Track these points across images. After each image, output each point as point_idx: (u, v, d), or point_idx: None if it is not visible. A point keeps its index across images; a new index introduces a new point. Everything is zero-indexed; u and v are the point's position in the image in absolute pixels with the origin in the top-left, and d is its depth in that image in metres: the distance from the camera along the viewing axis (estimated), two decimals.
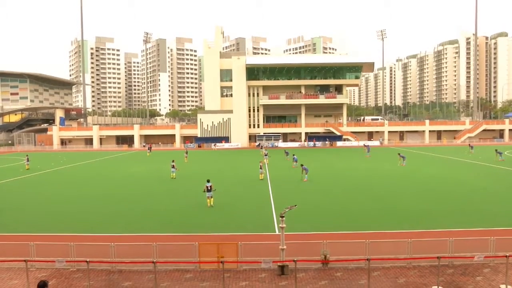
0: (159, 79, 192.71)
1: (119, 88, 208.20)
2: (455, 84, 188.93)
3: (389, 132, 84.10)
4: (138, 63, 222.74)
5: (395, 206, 21.26)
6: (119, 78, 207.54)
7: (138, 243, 14.77)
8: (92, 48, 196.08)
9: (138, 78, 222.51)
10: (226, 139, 78.90)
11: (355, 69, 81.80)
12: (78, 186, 30.18)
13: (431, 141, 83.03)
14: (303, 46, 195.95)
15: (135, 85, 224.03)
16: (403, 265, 12.77)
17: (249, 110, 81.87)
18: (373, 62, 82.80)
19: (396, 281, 11.79)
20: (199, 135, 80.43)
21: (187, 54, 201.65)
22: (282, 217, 12.58)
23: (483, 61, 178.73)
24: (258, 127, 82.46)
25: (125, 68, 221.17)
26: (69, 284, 11.90)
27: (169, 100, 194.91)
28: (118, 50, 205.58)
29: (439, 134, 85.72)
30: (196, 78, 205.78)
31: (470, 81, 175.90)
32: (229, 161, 49.65)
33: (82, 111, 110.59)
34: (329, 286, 11.52)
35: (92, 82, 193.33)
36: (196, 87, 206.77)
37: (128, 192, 27.18)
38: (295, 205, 13.95)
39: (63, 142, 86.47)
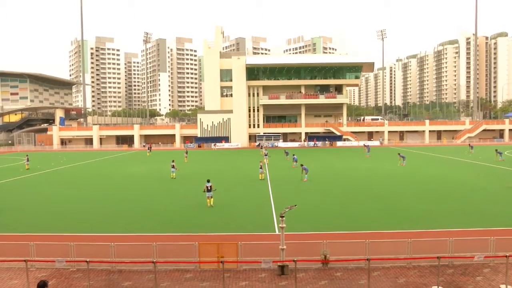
0: (159, 79, 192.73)
1: (119, 88, 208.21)
2: (455, 84, 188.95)
3: (389, 132, 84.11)
4: (138, 63, 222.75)
5: (395, 206, 21.27)
6: (119, 78, 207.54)
7: (138, 243, 14.77)
8: (92, 48, 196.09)
9: (138, 78, 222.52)
10: (226, 139, 78.91)
11: (355, 69, 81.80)
12: (78, 186, 30.19)
13: (431, 141, 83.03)
14: (303, 46, 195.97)
15: (135, 85, 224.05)
16: (403, 265, 12.77)
17: (249, 110, 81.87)
18: (373, 62, 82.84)
19: (396, 281, 11.79)
20: (199, 135, 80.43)
21: (187, 54, 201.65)
22: (282, 217, 12.58)
23: (483, 61, 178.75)
24: (258, 127, 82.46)
25: (125, 68, 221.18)
26: (69, 284, 11.90)
27: (169, 100, 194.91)
28: (118, 50, 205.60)
29: (439, 134, 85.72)
30: (196, 78, 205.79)
31: (470, 81, 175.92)
32: (229, 161, 49.66)
33: (82, 111, 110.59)
34: (329, 286, 11.52)
35: (92, 82, 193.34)
36: (196, 87, 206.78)
37: (128, 192, 27.18)
38: (295, 205, 13.95)
39: (63, 142, 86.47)
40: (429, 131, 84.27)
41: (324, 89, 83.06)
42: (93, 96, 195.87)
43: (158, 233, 16.85)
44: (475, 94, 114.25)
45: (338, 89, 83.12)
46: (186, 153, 52.38)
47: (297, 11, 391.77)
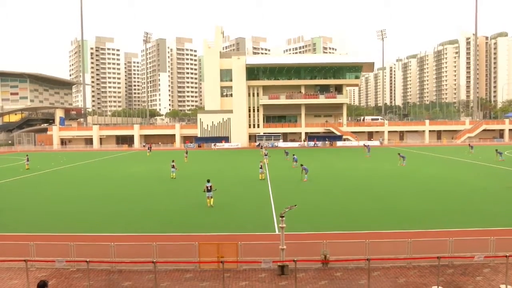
0: (159, 79, 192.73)
1: (119, 88, 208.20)
2: (455, 84, 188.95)
3: (389, 132, 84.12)
4: (138, 63, 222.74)
5: (395, 206, 21.26)
6: (119, 78, 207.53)
7: (138, 243, 14.77)
8: (92, 48, 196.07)
9: (138, 78, 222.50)
10: (226, 139, 78.91)
11: (355, 69, 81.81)
12: (78, 186, 30.19)
13: (431, 141, 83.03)
14: (303, 46, 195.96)
15: (135, 85, 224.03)
16: (403, 265, 12.77)
17: (249, 110, 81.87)
18: (373, 62, 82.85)
19: (396, 281, 11.79)
20: (199, 135, 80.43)
21: (187, 54, 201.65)
22: (282, 217, 12.58)
23: (483, 61, 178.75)
24: (258, 127, 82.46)
25: (125, 68, 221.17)
26: (69, 284, 11.90)
27: (169, 100, 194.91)
28: (118, 50, 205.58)
29: (439, 134, 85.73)
30: (196, 78, 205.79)
31: (470, 81, 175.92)
32: (229, 161, 49.66)
33: (82, 111, 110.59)
34: (329, 286, 11.52)
35: (92, 82, 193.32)
36: (196, 87, 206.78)
37: (128, 192, 27.19)
38: (295, 205, 13.95)
39: (63, 142, 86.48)
40: (429, 131, 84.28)
41: (324, 89, 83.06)
42: (93, 96, 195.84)
43: (158, 233, 16.85)
44: (475, 94, 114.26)
45: (338, 89, 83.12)
46: (186, 153, 52.40)
47: (297, 11, 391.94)
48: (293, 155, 43.04)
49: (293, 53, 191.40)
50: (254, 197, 24.86)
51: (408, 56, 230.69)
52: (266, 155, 47.24)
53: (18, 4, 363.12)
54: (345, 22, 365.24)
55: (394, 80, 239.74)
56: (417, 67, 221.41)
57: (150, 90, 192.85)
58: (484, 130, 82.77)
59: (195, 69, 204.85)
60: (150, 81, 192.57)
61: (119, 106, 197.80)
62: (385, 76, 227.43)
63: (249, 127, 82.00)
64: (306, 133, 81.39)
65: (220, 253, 12.71)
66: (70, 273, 12.67)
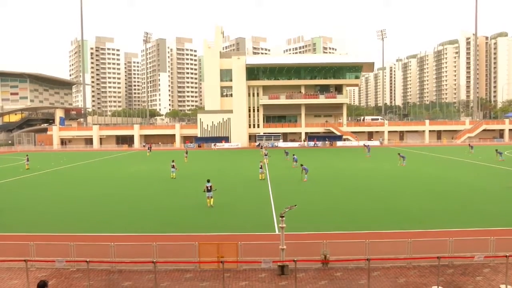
0: (159, 79, 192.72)
1: (119, 88, 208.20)
2: (455, 84, 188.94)
3: (389, 132, 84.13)
4: (138, 63, 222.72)
5: (395, 206, 21.27)
6: (119, 78, 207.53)
7: (138, 243, 14.77)
8: (92, 48, 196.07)
9: (138, 78, 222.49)
10: (226, 139, 78.92)
11: (355, 69, 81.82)
12: (78, 186, 30.19)
13: (431, 141, 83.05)
14: (303, 46, 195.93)
15: (135, 85, 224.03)
16: (403, 265, 12.77)
17: (249, 110, 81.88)
18: (373, 62, 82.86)
19: (396, 281, 11.79)
20: (199, 135, 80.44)
21: (187, 54, 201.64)
22: (282, 217, 12.58)
23: (483, 61, 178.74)
24: (258, 127, 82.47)
25: (125, 68, 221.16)
26: (69, 284, 11.90)
27: (169, 100, 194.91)
28: (118, 50, 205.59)
29: (439, 134, 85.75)
30: (196, 78, 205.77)
31: (470, 81, 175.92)
32: (229, 161, 49.67)
33: (82, 111, 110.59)
34: (329, 286, 11.52)
35: (92, 82, 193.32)
36: (196, 87, 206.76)
37: (128, 192, 27.18)
38: (295, 205, 13.94)
39: (63, 142, 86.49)
40: (429, 131, 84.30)
41: (324, 89, 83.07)
42: (93, 96, 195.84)
43: (158, 233, 16.85)
44: (475, 94, 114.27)
45: (338, 89, 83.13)
46: (186, 153, 52.40)
47: (297, 11, 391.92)
48: (293, 155, 43.04)
49: (293, 53, 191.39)
50: (254, 197, 24.86)
51: (408, 56, 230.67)
52: (266, 155, 47.25)
53: (18, 4, 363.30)
54: (345, 22, 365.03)
55: (394, 80, 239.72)
56: (417, 67, 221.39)
57: (150, 90, 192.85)
58: (484, 130, 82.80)
59: (195, 69, 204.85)
60: (150, 81, 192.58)
61: (119, 106, 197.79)
62: (385, 76, 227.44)
63: (249, 127, 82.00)
64: (306, 133, 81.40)
65: (220, 253, 12.71)
66: (70, 273, 12.67)
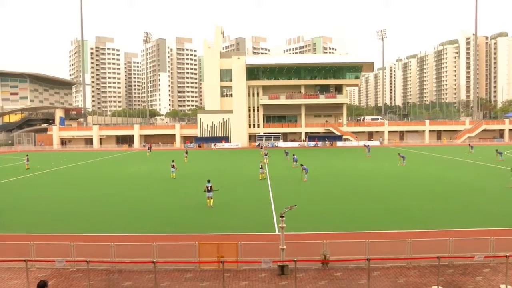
0: (159, 79, 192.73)
1: (119, 88, 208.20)
2: (455, 84, 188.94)
3: (389, 132, 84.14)
4: (138, 63, 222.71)
5: (395, 206, 21.26)
6: (119, 78, 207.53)
7: (138, 243, 14.77)
8: (92, 48, 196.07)
9: (138, 78, 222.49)
10: (226, 139, 78.92)
11: (355, 69, 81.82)
12: (78, 186, 30.18)
13: (431, 141, 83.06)
14: (303, 46, 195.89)
15: (135, 85, 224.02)
16: (403, 265, 12.76)
17: (249, 110, 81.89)
18: (373, 62, 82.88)
19: (396, 281, 11.78)
20: (199, 135, 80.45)
21: (187, 54, 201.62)
22: (282, 217, 12.58)
23: (483, 61, 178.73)
24: (258, 127, 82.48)
25: (125, 68, 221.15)
26: (69, 284, 11.90)
27: (169, 100, 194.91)
28: (118, 50, 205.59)
29: (439, 134, 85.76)
30: (196, 78, 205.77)
31: (470, 81, 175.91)
32: (229, 161, 49.66)
33: (82, 111, 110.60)
34: (329, 286, 11.52)
35: (92, 82, 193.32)
36: (196, 87, 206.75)
37: (128, 192, 27.18)
38: (295, 205, 13.94)
39: (63, 142, 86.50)
40: (429, 131, 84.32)
41: (324, 89, 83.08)
42: (93, 96, 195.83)
43: (158, 233, 16.85)
44: (475, 94, 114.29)
45: (338, 89, 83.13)
46: (186, 153, 52.40)
47: (297, 11, 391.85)
48: (293, 155, 43.04)
49: (293, 53, 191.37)
50: (254, 197, 24.86)
51: (408, 56, 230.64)
52: (266, 155, 47.26)
53: (18, 4, 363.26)
54: (345, 22, 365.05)
55: (394, 80, 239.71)
56: (417, 67, 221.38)
57: (150, 90, 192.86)
58: (484, 130, 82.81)
59: (195, 69, 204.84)
60: (150, 81, 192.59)
61: (119, 106, 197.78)
62: (385, 76, 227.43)
63: (249, 127, 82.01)
64: (306, 133, 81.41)
65: (220, 253, 12.70)
66: (70, 273, 12.67)
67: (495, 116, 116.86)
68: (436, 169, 37.51)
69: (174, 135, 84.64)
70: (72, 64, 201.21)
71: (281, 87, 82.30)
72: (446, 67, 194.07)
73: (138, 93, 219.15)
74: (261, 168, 32.76)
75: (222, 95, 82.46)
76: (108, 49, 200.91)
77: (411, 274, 12.22)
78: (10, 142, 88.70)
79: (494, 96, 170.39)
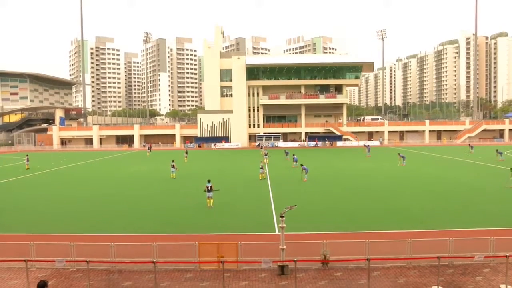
0: (159, 79, 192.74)
1: (119, 88, 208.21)
2: (455, 84, 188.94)
3: (389, 132, 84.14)
4: (138, 63, 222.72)
5: (395, 206, 21.26)
6: (119, 78, 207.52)
7: (138, 243, 14.77)
8: (92, 48, 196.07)
9: (138, 78, 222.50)
10: (226, 139, 78.93)
11: (355, 69, 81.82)
12: (78, 186, 30.18)
13: (431, 141, 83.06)
14: (303, 46, 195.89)
15: (135, 85, 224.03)
16: (403, 265, 12.76)
17: (249, 110, 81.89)
18: (373, 62, 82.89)
19: (396, 281, 11.79)
20: (199, 135, 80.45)
21: (187, 54, 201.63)
22: (282, 217, 12.58)
23: (483, 61, 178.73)
24: (258, 127, 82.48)
25: (125, 68, 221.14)
26: (69, 284, 11.90)
27: (169, 100, 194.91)
28: (118, 50, 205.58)
29: (439, 134, 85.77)
30: (196, 78, 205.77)
31: (470, 81, 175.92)
32: (229, 161, 49.67)
33: (82, 111, 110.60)
34: (329, 286, 11.52)
35: (92, 82, 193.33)
36: (196, 87, 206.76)
37: (128, 192, 27.18)
38: (295, 205, 13.94)
39: (63, 142, 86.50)
40: (429, 131, 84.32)
41: (324, 89, 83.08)
42: (93, 96, 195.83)
43: (158, 233, 16.85)
44: (475, 94, 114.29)
45: (338, 89, 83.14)
46: (186, 153, 52.40)
47: (297, 11, 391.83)
48: (293, 155, 43.05)
49: (293, 53, 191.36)
50: (254, 197, 24.86)
51: (408, 56, 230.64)
52: (266, 155, 47.27)
53: (18, 4, 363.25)
54: (345, 22, 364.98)
55: (394, 80, 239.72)
56: (417, 67, 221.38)
57: (150, 90, 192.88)
58: (484, 130, 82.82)
59: (195, 69, 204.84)
60: (150, 81, 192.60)
61: (119, 106, 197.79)
62: (385, 76, 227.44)
63: (249, 127, 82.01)
64: (306, 133, 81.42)
65: (220, 253, 12.70)
66: (70, 273, 12.67)
67: (495, 116, 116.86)
68: (436, 169, 37.51)
69: (174, 135, 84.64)
70: (72, 64, 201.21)
71: (281, 87, 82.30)
72: (446, 67, 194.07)
73: (138, 93, 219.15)
74: (261, 168, 32.77)
75: (222, 95, 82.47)
76: (108, 49, 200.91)
77: (411, 274, 12.22)
78: (10, 142, 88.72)
79: (494, 96, 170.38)
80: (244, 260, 12.77)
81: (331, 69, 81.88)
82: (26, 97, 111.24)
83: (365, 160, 47.57)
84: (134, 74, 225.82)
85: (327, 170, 37.60)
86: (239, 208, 21.66)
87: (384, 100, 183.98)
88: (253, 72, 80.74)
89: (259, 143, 75.04)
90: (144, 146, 79.24)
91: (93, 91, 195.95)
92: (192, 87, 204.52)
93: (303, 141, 79.26)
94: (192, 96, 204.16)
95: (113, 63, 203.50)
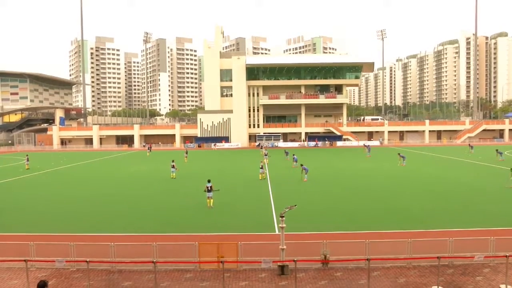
0: (159, 79, 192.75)
1: (119, 88, 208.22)
2: (455, 84, 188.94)
3: (389, 132, 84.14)
4: (138, 63, 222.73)
5: (395, 206, 21.26)
6: (119, 78, 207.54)
7: (138, 243, 14.77)
8: (92, 48, 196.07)
9: (138, 78, 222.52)
10: (226, 139, 78.93)
11: (355, 69, 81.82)
12: (78, 186, 30.18)
13: (431, 141, 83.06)
14: (303, 46, 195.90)
15: (135, 85, 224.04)
16: (403, 265, 12.76)
17: (249, 110, 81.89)
18: (373, 62, 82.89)
19: (396, 281, 11.78)
20: (199, 135, 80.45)
21: (187, 54, 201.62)
22: (282, 217, 12.58)
23: (483, 61, 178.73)
24: (258, 127, 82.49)
25: (125, 68, 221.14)
26: (69, 284, 11.90)
27: (169, 100, 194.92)
28: (118, 50, 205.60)
29: (439, 134, 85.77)
30: (196, 78, 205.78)
31: (470, 81, 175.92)
32: (229, 161, 49.67)
33: (82, 111, 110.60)
34: (329, 286, 11.52)
35: (92, 82, 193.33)
36: (196, 87, 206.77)
37: (128, 192, 27.18)
38: (295, 205, 13.94)
39: (63, 142, 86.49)
40: (429, 131, 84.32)
41: (324, 89, 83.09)
42: (93, 96, 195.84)
43: (158, 233, 16.84)
44: (475, 94, 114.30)
45: (338, 89, 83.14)
46: (186, 153, 52.40)
47: (297, 11, 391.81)
48: (293, 155, 43.05)
49: (293, 53, 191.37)
50: (254, 197, 24.86)
51: (408, 56, 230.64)
52: (266, 155, 47.27)
53: (18, 4, 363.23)
54: (345, 22, 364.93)
55: (394, 80, 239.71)
56: (417, 67, 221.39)
57: (150, 90, 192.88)
58: (484, 130, 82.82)
59: (195, 69, 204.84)
60: (150, 81, 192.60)
61: (119, 106, 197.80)
62: (385, 76, 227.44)
63: (249, 127, 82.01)
64: (306, 133, 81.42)
65: (220, 253, 12.70)
66: (70, 273, 12.67)
67: (495, 116, 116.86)
68: (436, 169, 37.51)
69: (174, 135, 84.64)
70: (72, 64, 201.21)
71: (281, 87, 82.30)
72: (446, 67, 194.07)
73: (138, 93, 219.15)
74: (261, 168, 32.77)
75: (222, 95, 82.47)
76: (108, 49, 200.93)
77: (411, 274, 12.22)
78: (10, 142, 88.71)
79: (494, 96, 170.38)
80: (244, 260, 12.77)
81: (331, 69, 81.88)
82: (26, 97, 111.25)
83: (365, 160, 47.57)
84: (134, 74, 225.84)
85: (327, 170, 37.60)
86: (239, 208, 21.66)
87: (384, 100, 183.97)
88: (253, 72, 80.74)
89: (259, 143, 75.04)
90: (144, 146, 79.24)
91: (93, 91, 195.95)
92: (192, 87, 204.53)
93: (303, 141, 79.27)
94: (192, 96, 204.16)
95: (113, 63, 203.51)
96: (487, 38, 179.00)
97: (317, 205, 21.78)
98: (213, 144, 77.29)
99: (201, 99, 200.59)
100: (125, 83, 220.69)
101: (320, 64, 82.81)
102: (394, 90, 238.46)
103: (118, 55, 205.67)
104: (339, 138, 79.26)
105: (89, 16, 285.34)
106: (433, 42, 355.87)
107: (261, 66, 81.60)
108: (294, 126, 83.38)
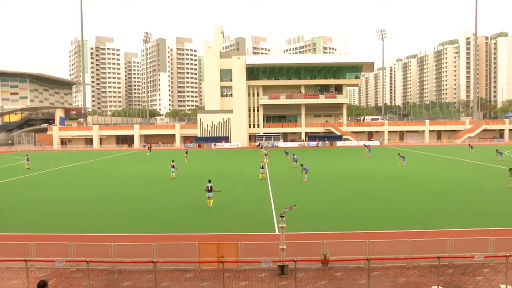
0: (159, 79, 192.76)
1: (119, 88, 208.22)
2: (455, 84, 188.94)
3: (389, 132, 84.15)
4: (138, 63, 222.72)
5: (395, 206, 21.26)
6: (119, 78, 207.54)
7: (138, 243, 14.77)
8: (92, 48, 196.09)
9: (138, 78, 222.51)
10: (226, 139, 78.93)
11: (355, 69, 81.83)
12: (78, 186, 30.18)
13: (431, 141, 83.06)
14: (303, 46, 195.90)
15: (135, 85, 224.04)
16: (403, 265, 12.77)
17: (249, 110, 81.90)
18: (373, 62, 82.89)
19: (396, 281, 11.79)
20: (199, 135, 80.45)
21: (187, 54, 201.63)
22: (282, 217, 12.58)
23: (483, 61, 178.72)
24: (258, 127, 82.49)
25: (125, 68, 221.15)
26: (69, 284, 11.90)
27: (169, 100, 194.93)
28: (118, 50, 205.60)
29: (439, 134, 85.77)
30: (196, 78, 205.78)
31: (470, 81, 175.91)
32: (229, 161, 49.67)
33: (82, 111, 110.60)
34: (329, 286, 11.52)
35: (92, 82, 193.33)
36: (196, 87, 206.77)
37: (128, 192, 27.18)
38: (295, 205, 13.94)
39: (63, 142, 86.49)
40: (429, 131, 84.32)
41: (324, 89, 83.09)
42: (93, 96, 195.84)
43: (158, 233, 16.84)
44: (475, 94, 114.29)
45: (338, 89, 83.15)
46: (186, 153, 52.39)
47: (297, 11, 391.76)
48: (293, 155, 43.05)
49: (293, 53, 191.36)
50: (254, 197, 24.86)
51: (408, 56, 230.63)
52: (266, 155, 47.26)
53: (18, 4, 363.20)
54: (345, 22, 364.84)
55: (394, 80, 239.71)
56: (417, 67, 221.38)
57: (150, 90, 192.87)
58: (484, 130, 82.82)
59: (195, 69, 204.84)
60: (150, 81, 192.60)
61: (119, 106, 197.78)
62: (385, 76, 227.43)
63: (249, 127, 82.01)
64: (306, 133, 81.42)
65: (220, 253, 12.70)
66: (70, 273, 12.67)
67: (495, 116, 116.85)
68: (436, 169, 37.51)
69: (174, 135, 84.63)
70: (72, 64, 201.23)
71: (281, 87, 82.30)
72: (446, 67, 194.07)
73: (138, 93, 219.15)
74: (262, 168, 32.77)
75: (222, 95, 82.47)
76: (108, 49, 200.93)
77: (411, 274, 12.22)
78: (10, 142, 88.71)
79: (494, 96, 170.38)
80: (244, 260, 12.77)
81: (331, 69, 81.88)
82: (26, 97, 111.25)
83: (365, 160, 47.57)
84: (134, 74, 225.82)
85: (327, 170, 37.60)
86: (239, 208, 21.66)
87: (384, 100, 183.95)
88: (253, 72, 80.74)
89: (259, 143, 75.05)
90: (144, 146, 79.24)
91: (93, 91, 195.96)
92: (192, 87, 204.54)
93: (303, 141, 79.27)
94: (192, 96, 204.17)
95: (113, 63, 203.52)
96: (487, 38, 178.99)
97: (317, 205, 21.79)
98: (213, 144, 77.30)
99: (201, 99, 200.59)
100: (125, 83, 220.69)
101: (320, 64, 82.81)
102: (394, 90, 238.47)
103: (118, 55, 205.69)
104: (339, 138, 79.27)
105: (89, 16, 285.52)
106: (433, 42, 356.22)
107: (261, 66, 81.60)
108: (294, 126, 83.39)
